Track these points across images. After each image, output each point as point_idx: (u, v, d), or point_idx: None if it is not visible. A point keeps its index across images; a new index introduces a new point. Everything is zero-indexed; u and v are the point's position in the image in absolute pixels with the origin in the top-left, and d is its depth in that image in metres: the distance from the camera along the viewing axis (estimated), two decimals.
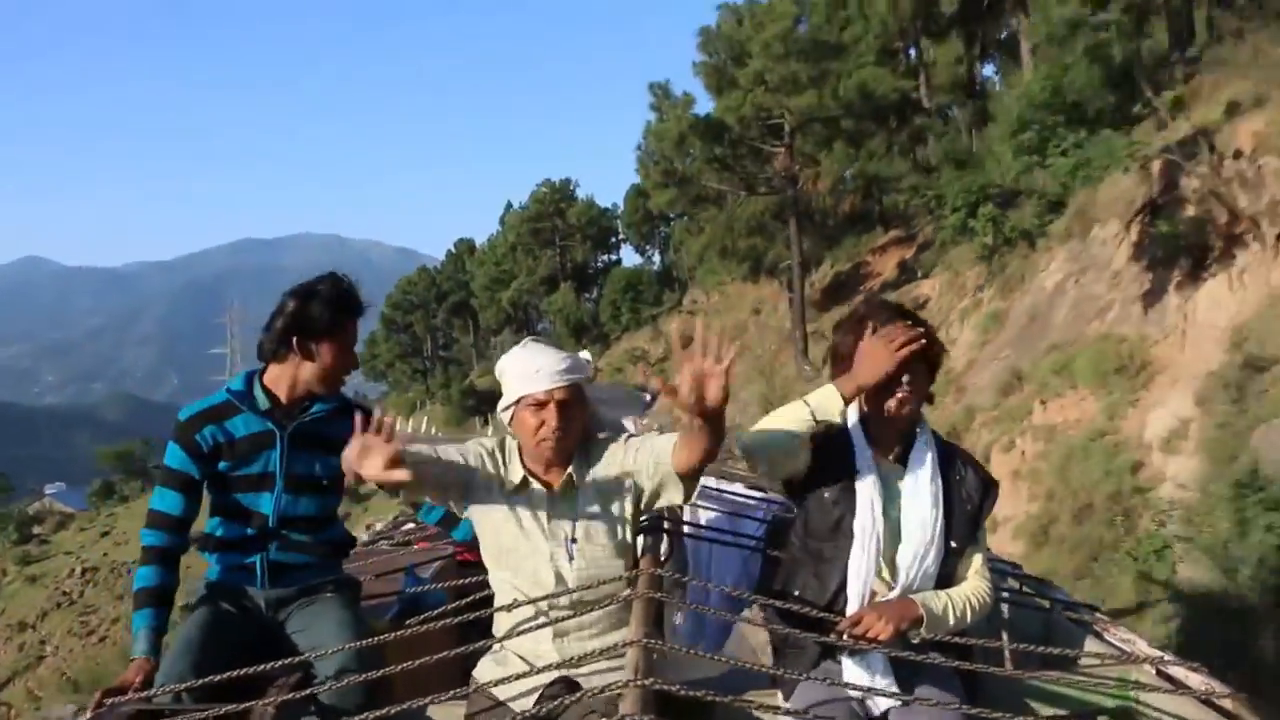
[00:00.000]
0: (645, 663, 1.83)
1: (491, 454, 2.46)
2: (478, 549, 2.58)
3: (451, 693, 1.98)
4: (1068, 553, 10.50)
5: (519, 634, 2.34)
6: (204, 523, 2.84)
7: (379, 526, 5.63)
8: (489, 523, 2.44)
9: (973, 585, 2.42)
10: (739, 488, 4.63)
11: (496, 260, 65.88)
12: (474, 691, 2.30)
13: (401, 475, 2.05)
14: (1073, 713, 2.42)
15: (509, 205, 68.16)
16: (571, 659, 2.27)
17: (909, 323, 2.37)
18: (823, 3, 26.16)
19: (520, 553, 2.39)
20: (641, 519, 2.53)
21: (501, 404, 2.43)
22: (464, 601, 2.67)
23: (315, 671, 2.53)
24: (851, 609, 2.31)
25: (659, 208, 36.04)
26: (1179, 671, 2.35)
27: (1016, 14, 22.79)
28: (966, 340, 18.22)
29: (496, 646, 2.43)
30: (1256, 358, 9.79)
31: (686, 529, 3.90)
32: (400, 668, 2.04)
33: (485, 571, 2.56)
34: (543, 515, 2.40)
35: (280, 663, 2.28)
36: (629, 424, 2.54)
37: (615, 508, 2.42)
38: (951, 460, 2.48)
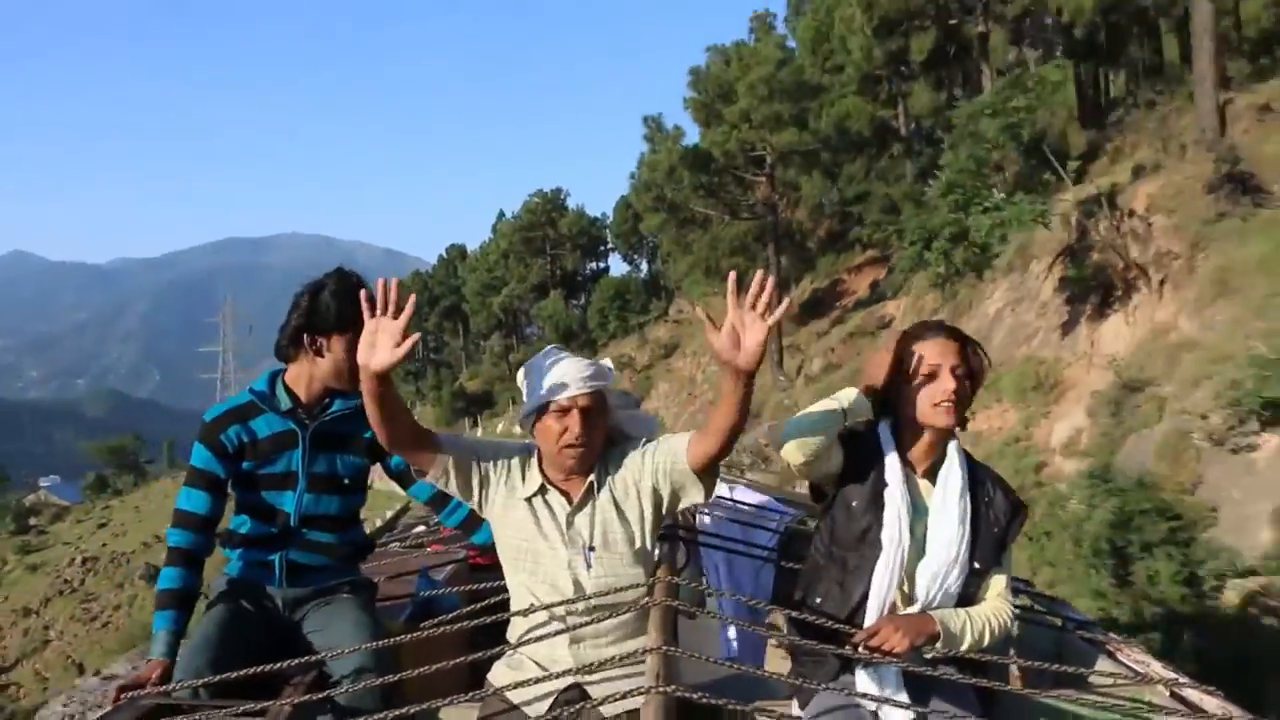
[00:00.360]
0: (666, 670, 1.81)
1: (520, 459, 2.46)
2: (492, 553, 2.58)
3: (469, 695, 2.00)
4: None
5: (534, 640, 2.34)
6: (229, 520, 2.84)
7: (379, 524, 5.73)
8: (508, 527, 2.43)
9: (993, 607, 2.38)
10: (753, 497, 4.62)
11: (489, 267, 67.10)
12: (488, 695, 2.26)
13: (409, 345, 2.07)
14: None
15: (501, 214, 69.49)
16: (587, 665, 2.27)
17: (944, 334, 2.41)
18: (808, 40, 28.49)
19: (538, 558, 2.38)
20: (664, 523, 2.51)
21: (523, 411, 2.43)
22: (479, 605, 2.66)
23: (330, 671, 2.54)
24: (869, 621, 2.29)
25: (650, 230, 37.96)
26: (1194, 694, 2.31)
27: (979, 59, 25.24)
28: None
29: (511, 651, 2.40)
30: (1134, 380, 12.18)
31: (701, 538, 3.91)
32: (417, 672, 2.07)
33: (498, 576, 2.56)
34: (562, 522, 2.38)
35: (297, 661, 2.30)
36: (646, 430, 2.58)
37: (634, 515, 2.39)
38: (981, 481, 2.45)
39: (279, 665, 2.26)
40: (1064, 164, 14.60)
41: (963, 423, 2.40)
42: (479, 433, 50.11)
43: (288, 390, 2.75)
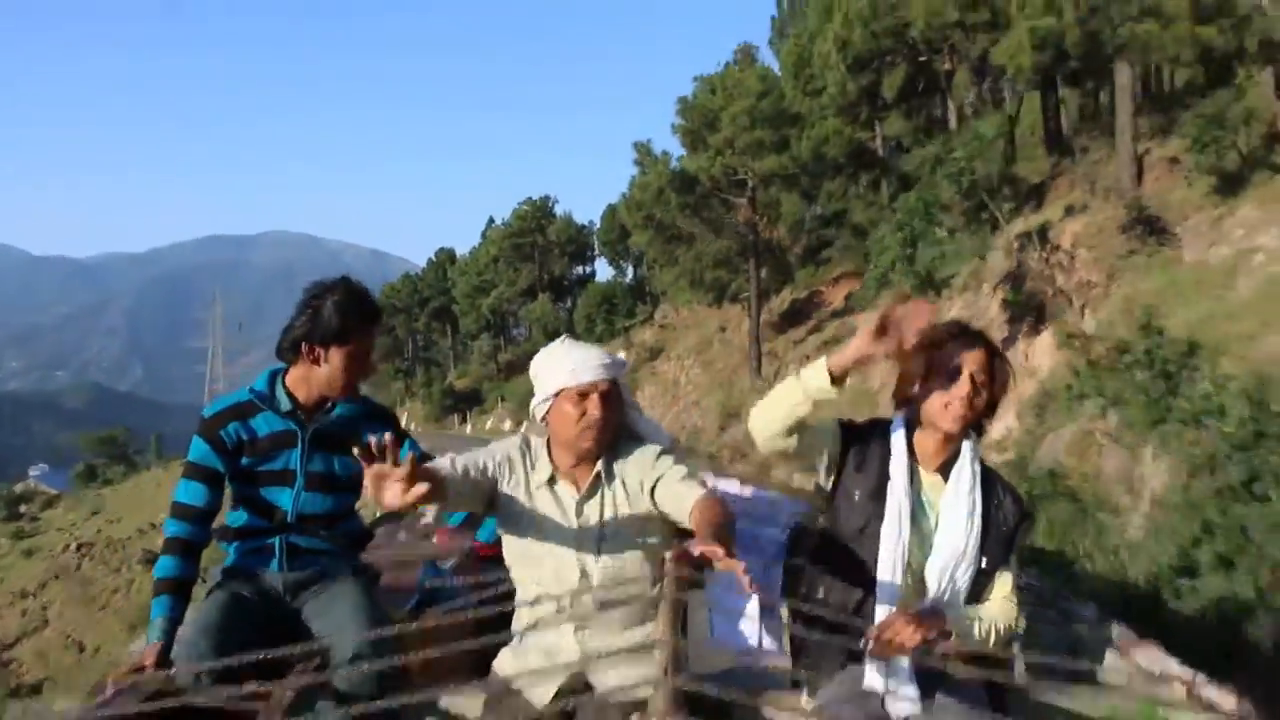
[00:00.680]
0: (675, 660, 1.75)
1: (519, 453, 2.46)
2: (498, 544, 2.59)
3: (472, 682, 2.02)
4: None
5: (541, 628, 2.35)
6: (225, 516, 2.83)
7: (379, 513, 5.64)
8: (514, 519, 2.42)
9: (1000, 607, 2.39)
10: (760, 493, 4.62)
11: (478, 270, 68.00)
12: (493, 683, 2.26)
13: (421, 490, 1.90)
14: None
15: (491, 220, 70.32)
16: (593, 655, 2.29)
17: (975, 341, 2.38)
18: (790, 64, 30.34)
19: (546, 548, 2.38)
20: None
21: (538, 398, 2.40)
22: (484, 595, 2.56)
23: (332, 657, 2.54)
24: (879, 616, 2.29)
25: (638, 245, 39.52)
26: (1210, 693, 2.29)
27: (945, 94, 27.55)
28: (884, 369, 22.81)
29: (516, 640, 2.41)
30: (1052, 389, 14.44)
31: None
32: (421, 657, 2.04)
33: (504, 566, 2.53)
34: (570, 512, 2.39)
35: (299, 647, 2.27)
36: (657, 438, 2.56)
37: (641, 509, 2.39)
38: (992, 483, 2.45)
39: (282, 651, 2.26)
40: (1014, 196, 16.87)
41: (979, 430, 2.44)
42: (468, 429, 50.80)
43: (288, 391, 2.77)
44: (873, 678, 2.28)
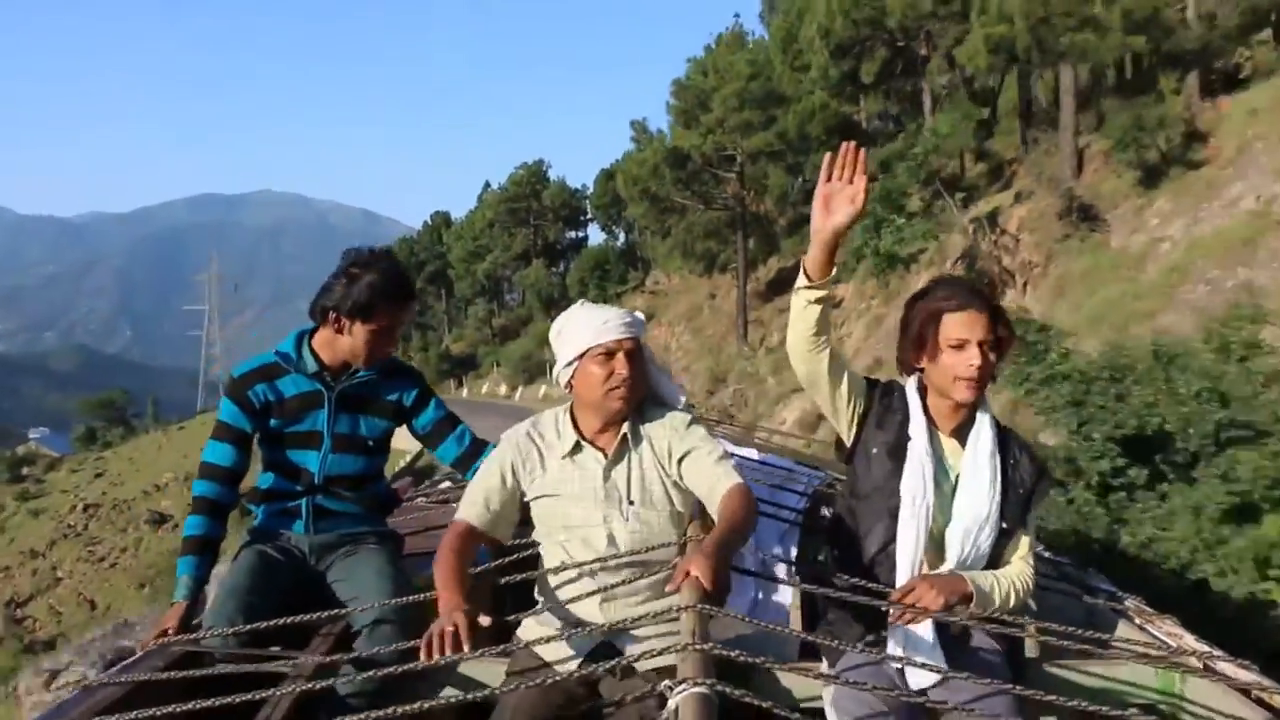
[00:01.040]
0: (702, 627, 1.79)
1: (527, 438, 2.45)
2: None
3: (500, 648, 1.99)
4: None
5: (566, 596, 2.33)
6: (255, 478, 2.87)
7: (400, 465, 5.50)
8: (540, 489, 2.41)
9: (1018, 569, 2.39)
10: (779, 460, 4.63)
11: (474, 235, 68.14)
12: (518, 649, 2.24)
13: (487, 620, 1.98)
14: (1119, 703, 2.28)
15: (487, 185, 70.46)
16: (618, 623, 2.22)
17: (974, 304, 2.32)
18: (779, 39, 31.75)
19: (573, 515, 2.38)
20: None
21: (563, 360, 2.38)
22: (508, 559, 2.63)
23: (356, 621, 2.56)
24: (901, 580, 2.28)
25: (633, 216, 41.00)
26: (1227, 668, 2.30)
27: (921, 76, 29.41)
28: (857, 335, 25.02)
29: (541, 606, 2.40)
30: None
31: None
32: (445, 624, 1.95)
33: (530, 532, 2.53)
34: (598, 478, 2.37)
35: (326, 614, 2.32)
36: (673, 399, 2.50)
37: (666, 476, 2.39)
38: (1008, 443, 2.42)
39: (308, 617, 2.28)
40: (975, 181, 18.94)
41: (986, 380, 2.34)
42: (464, 393, 51.68)
43: (314, 353, 2.77)
44: (894, 646, 2.26)
